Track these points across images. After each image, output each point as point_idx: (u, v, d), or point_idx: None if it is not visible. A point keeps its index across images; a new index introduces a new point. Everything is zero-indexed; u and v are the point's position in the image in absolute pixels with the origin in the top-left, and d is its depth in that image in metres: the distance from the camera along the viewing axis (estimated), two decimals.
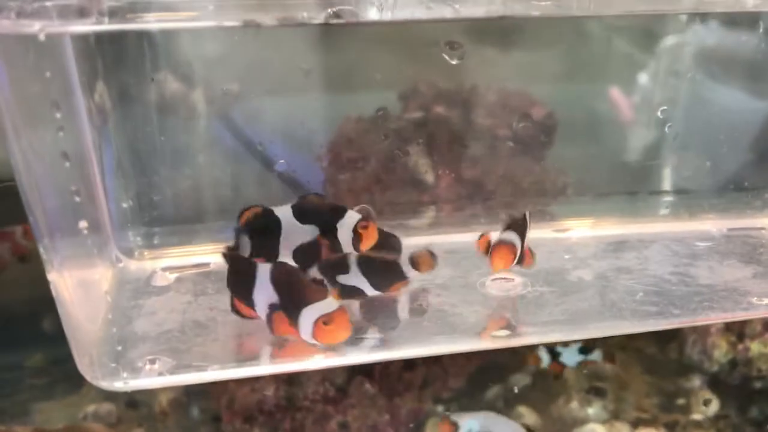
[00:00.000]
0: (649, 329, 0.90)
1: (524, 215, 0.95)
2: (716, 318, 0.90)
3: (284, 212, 0.88)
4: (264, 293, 0.80)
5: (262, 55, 0.97)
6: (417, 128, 1.05)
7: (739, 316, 0.91)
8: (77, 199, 0.77)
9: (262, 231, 0.88)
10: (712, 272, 0.99)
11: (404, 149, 1.05)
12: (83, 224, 0.76)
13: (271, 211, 0.88)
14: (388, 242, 0.92)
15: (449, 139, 1.07)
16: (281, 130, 1.02)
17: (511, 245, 0.88)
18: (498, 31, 1.02)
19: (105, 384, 0.78)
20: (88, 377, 0.78)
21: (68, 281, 0.74)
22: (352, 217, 0.87)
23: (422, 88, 1.04)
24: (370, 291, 0.87)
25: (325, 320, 0.75)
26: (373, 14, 0.80)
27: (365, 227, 0.86)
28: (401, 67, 1.03)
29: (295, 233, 0.88)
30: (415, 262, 0.89)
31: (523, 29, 1.02)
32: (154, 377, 0.79)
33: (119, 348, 0.81)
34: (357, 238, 0.87)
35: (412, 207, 1.09)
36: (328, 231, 0.88)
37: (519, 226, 0.92)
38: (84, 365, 0.78)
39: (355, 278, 0.86)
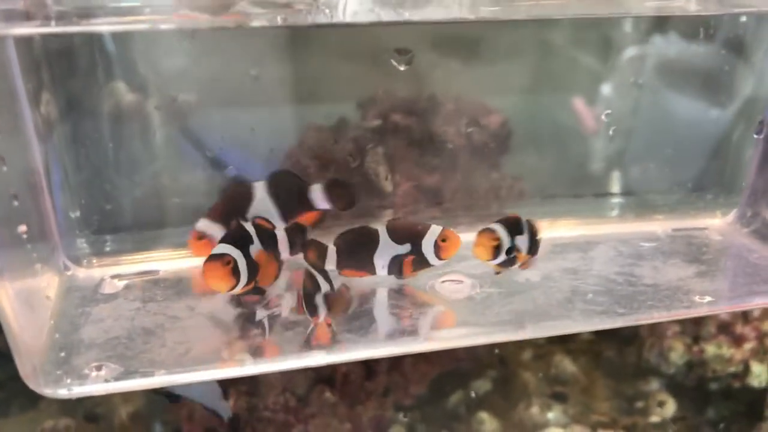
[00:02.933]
0: (594, 328, 0.91)
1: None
2: (659, 317, 0.91)
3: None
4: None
5: (218, 64, 0.98)
6: (376, 136, 1.06)
7: (681, 314, 0.92)
8: (15, 203, 0.77)
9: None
10: (657, 272, 1.00)
11: (363, 157, 1.06)
12: (22, 229, 0.75)
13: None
14: None
15: (408, 146, 1.08)
16: (239, 139, 1.02)
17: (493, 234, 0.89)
18: (458, 42, 1.03)
19: (49, 391, 0.77)
20: (31, 385, 0.77)
21: (8, 289, 0.73)
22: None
23: (380, 97, 1.06)
24: None
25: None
26: (322, 18, 0.81)
27: None
28: (360, 76, 1.05)
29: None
30: None
31: (481, 40, 1.04)
32: (100, 384, 0.78)
33: (63, 355, 0.80)
34: None
35: (371, 213, 1.09)
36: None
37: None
38: (27, 373, 0.77)
39: None
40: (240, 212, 0.93)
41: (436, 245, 0.91)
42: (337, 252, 0.92)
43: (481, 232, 0.89)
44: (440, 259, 0.92)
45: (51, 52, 0.90)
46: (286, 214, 0.95)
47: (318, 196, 0.97)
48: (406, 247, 0.92)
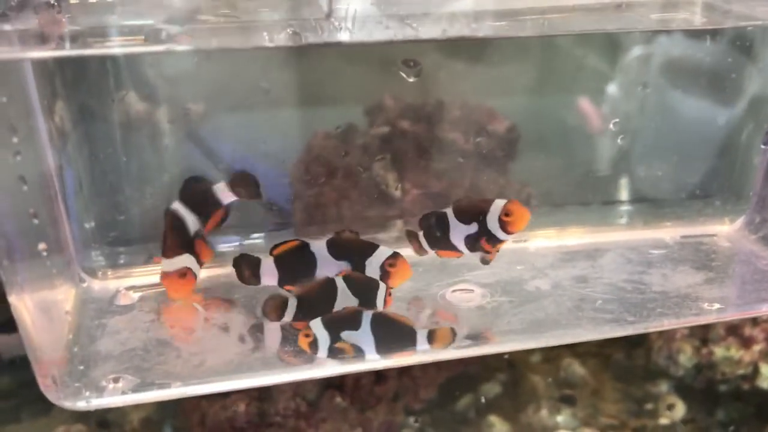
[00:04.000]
0: (604, 337, 0.91)
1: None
2: (669, 324, 0.91)
3: (319, 247, 0.92)
4: None
5: (228, 73, 0.99)
6: (383, 143, 1.06)
7: (690, 321, 0.93)
8: (35, 221, 0.78)
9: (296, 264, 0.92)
10: (666, 279, 1.01)
11: (371, 164, 1.06)
12: (42, 246, 0.76)
13: (307, 245, 0.92)
14: None
15: (415, 153, 1.08)
16: (249, 148, 1.03)
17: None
18: (464, 45, 1.04)
19: (68, 404, 0.78)
20: (50, 398, 0.78)
21: (28, 303, 0.74)
22: (381, 254, 0.90)
23: (388, 104, 1.06)
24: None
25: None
26: (342, 36, 0.82)
27: (393, 264, 0.90)
28: (367, 84, 1.05)
29: (328, 267, 0.92)
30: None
31: (486, 43, 1.04)
32: (117, 396, 0.79)
33: (81, 367, 0.81)
34: (386, 274, 0.90)
35: (379, 220, 1.10)
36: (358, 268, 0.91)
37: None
38: (46, 386, 0.78)
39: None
40: (184, 237, 0.94)
41: (500, 221, 0.90)
42: (425, 236, 0.96)
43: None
44: (508, 233, 0.90)
45: (65, 65, 0.91)
46: (201, 218, 0.97)
47: (223, 193, 0.97)
48: (473, 227, 0.92)
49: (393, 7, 0.85)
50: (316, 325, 0.84)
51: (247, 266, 0.92)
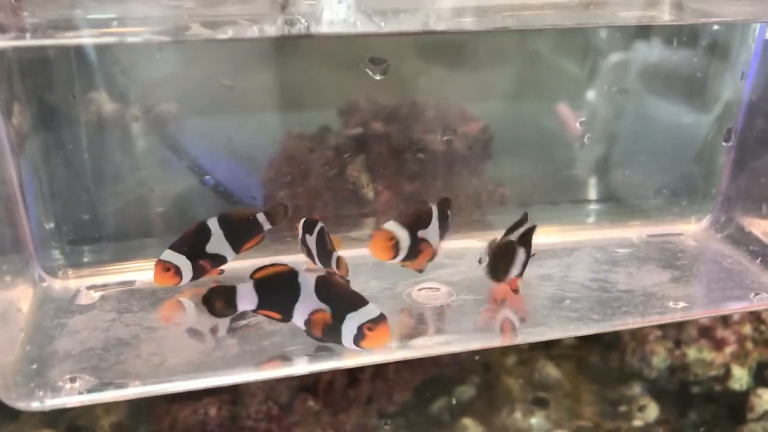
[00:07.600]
0: (569, 335, 0.91)
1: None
2: (634, 323, 0.91)
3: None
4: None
5: (195, 74, 0.98)
6: (357, 144, 1.06)
7: (655, 320, 0.93)
8: None
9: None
10: (631, 278, 1.01)
11: (343, 164, 1.06)
12: None
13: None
14: None
15: (389, 153, 1.08)
16: (220, 148, 1.03)
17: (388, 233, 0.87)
18: (439, 49, 1.04)
19: (21, 404, 0.77)
20: (3, 398, 0.77)
21: None
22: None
23: (362, 104, 1.06)
24: None
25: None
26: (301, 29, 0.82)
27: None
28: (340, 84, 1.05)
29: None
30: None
31: (461, 46, 1.05)
32: (74, 396, 0.78)
33: (35, 367, 0.80)
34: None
35: (352, 220, 1.10)
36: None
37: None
38: None
39: None
40: None
41: None
42: None
43: (377, 232, 0.88)
44: None
45: (24, 62, 0.90)
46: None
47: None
48: None
49: (362, 4, 0.85)
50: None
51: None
